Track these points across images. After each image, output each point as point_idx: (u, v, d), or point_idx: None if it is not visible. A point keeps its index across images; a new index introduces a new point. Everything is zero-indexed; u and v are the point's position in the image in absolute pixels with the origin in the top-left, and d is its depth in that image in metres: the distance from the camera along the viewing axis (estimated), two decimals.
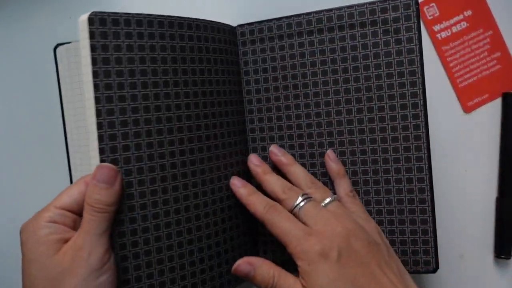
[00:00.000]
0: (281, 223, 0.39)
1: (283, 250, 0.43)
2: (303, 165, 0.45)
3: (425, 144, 0.42)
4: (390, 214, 0.44)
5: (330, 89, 0.44)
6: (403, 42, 0.42)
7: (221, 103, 0.43)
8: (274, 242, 0.47)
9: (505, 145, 0.50)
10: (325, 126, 0.45)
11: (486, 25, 0.51)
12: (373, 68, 0.43)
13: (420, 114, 0.42)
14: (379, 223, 0.44)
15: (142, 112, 0.37)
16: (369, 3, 0.42)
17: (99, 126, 0.36)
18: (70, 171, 0.46)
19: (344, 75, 0.44)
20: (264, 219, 0.40)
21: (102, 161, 0.36)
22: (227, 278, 0.43)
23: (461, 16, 0.51)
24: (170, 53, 0.39)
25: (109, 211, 0.35)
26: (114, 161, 0.36)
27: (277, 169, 0.45)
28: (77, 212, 0.36)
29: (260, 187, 0.43)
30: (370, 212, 0.44)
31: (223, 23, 0.43)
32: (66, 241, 0.35)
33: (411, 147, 0.43)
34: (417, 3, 0.42)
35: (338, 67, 0.44)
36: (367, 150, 0.44)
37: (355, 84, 0.43)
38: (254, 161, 0.45)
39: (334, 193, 0.44)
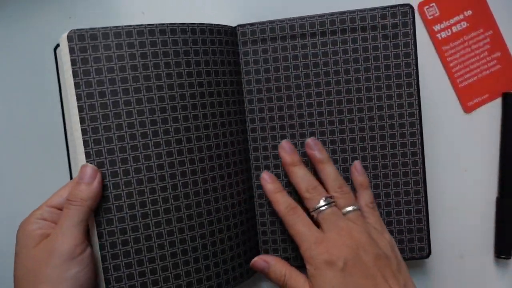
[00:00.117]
0: (297, 226, 0.42)
1: (283, 250, 0.47)
2: (305, 164, 0.46)
3: (420, 140, 0.46)
4: (387, 206, 0.47)
5: (332, 89, 0.46)
6: (400, 47, 0.45)
7: (214, 103, 0.43)
8: (274, 242, 0.47)
9: (505, 145, 0.50)
10: (327, 125, 0.46)
11: (486, 25, 0.51)
12: (373, 70, 0.46)
13: (415, 113, 0.46)
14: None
15: (125, 117, 0.40)
16: (370, 9, 0.45)
17: (84, 132, 0.39)
18: (70, 171, 0.46)
19: (345, 76, 0.46)
20: (284, 218, 0.43)
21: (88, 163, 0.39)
22: (225, 278, 0.43)
23: (461, 16, 0.51)
24: (151, 59, 0.40)
25: (83, 205, 0.37)
26: (99, 164, 0.40)
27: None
28: None
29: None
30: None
31: (200, 23, 0.43)
32: (48, 235, 0.38)
33: (407, 143, 0.46)
34: (413, 11, 0.45)
35: (340, 69, 0.46)
36: (366, 147, 0.46)
37: (356, 85, 0.46)
38: (285, 148, 0.45)
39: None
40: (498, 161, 0.51)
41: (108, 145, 0.40)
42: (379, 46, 0.45)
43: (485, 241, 0.52)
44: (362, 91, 0.46)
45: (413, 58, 0.45)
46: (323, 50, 0.46)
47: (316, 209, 0.42)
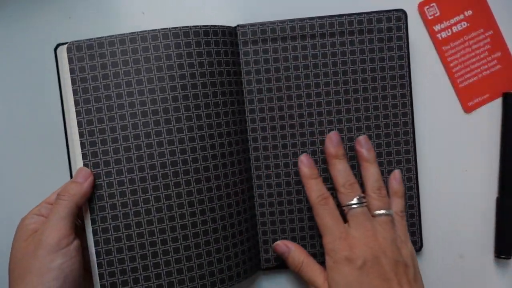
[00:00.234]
0: (325, 218, 0.44)
1: None
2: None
3: (412, 139, 0.48)
4: None
5: (331, 90, 0.47)
6: (394, 50, 0.48)
7: (209, 104, 0.44)
8: (275, 242, 0.47)
9: (505, 145, 0.50)
10: (326, 124, 0.47)
11: (487, 25, 0.51)
12: (369, 72, 0.48)
13: (408, 112, 0.48)
14: None
15: (118, 120, 0.42)
16: (366, 13, 0.47)
17: (81, 134, 0.42)
18: (70, 171, 0.46)
19: (343, 77, 0.47)
20: (314, 207, 0.45)
21: (84, 164, 0.42)
22: (220, 277, 0.44)
23: (461, 16, 0.51)
24: (144, 64, 0.43)
25: (71, 200, 0.40)
26: (95, 164, 0.42)
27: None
28: None
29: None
30: None
31: (193, 26, 0.44)
32: None
33: (401, 142, 0.48)
34: (406, 16, 0.47)
35: (338, 70, 0.47)
36: None
37: (354, 85, 0.47)
38: (333, 140, 0.46)
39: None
40: (498, 161, 0.51)
41: (102, 146, 0.42)
42: (375, 48, 0.47)
43: (485, 241, 0.51)
44: (359, 92, 0.47)
45: (406, 60, 0.48)
46: (322, 52, 0.47)
47: (348, 206, 0.44)
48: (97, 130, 0.43)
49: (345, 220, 0.44)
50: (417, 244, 0.49)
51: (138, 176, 0.43)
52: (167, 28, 0.43)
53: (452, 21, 0.51)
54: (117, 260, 0.42)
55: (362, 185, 0.46)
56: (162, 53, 0.43)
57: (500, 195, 0.51)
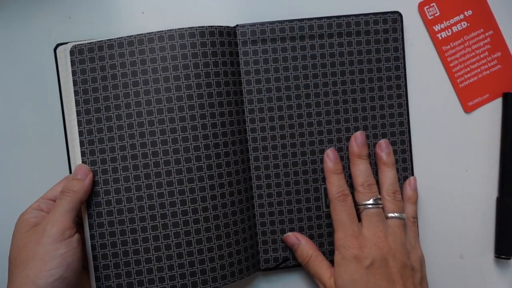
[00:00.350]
0: (341, 214, 0.44)
1: (282, 250, 0.48)
2: (304, 162, 0.48)
3: (408, 138, 0.49)
4: None
5: (329, 90, 0.48)
6: (390, 51, 0.49)
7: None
8: (274, 242, 0.48)
9: (505, 145, 0.50)
10: (325, 124, 0.48)
11: (487, 25, 0.51)
12: (366, 72, 0.48)
13: (404, 113, 0.49)
14: None
15: (115, 120, 0.44)
16: (364, 15, 0.48)
17: (80, 133, 0.44)
18: (70, 169, 0.46)
19: (342, 77, 0.48)
20: (332, 201, 0.45)
21: (83, 162, 0.44)
22: (212, 276, 0.44)
23: (461, 16, 0.51)
24: (140, 66, 0.44)
25: (74, 196, 0.41)
26: (92, 162, 0.44)
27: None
28: None
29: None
30: None
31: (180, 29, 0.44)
32: None
33: (397, 141, 0.49)
34: (402, 18, 0.49)
35: (336, 70, 0.47)
36: None
37: (351, 85, 0.48)
38: (358, 140, 0.47)
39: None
40: (498, 161, 0.51)
41: (100, 145, 0.44)
42: (371, 49, 0.48)
43: (485, 241, 0.51)
44: (357, 92, 0.48)
45: (402, 61, 0.49)
46: (321, 52, 0.47)
47: (363, 205, 0.45)
48: (95, 130, 0.44)
49: (359, 219, 0.45)
50: None
51: (133, 174, 0.44)
52: (162, 31, 0.44)
53: (452, 21, 0.51)
54: (111, 254, 0.44)
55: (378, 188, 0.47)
56: (158, 55, 0.44)
57: (500, 195, 0.51)
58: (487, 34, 0.51)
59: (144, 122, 0.44)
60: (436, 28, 0.51)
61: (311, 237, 0.48)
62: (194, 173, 0.44)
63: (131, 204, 0.44)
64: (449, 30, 0.51)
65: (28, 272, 0.38)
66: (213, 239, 0.44)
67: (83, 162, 0.44)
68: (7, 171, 0.49)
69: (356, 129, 0.48)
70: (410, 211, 0.48)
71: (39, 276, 0.37)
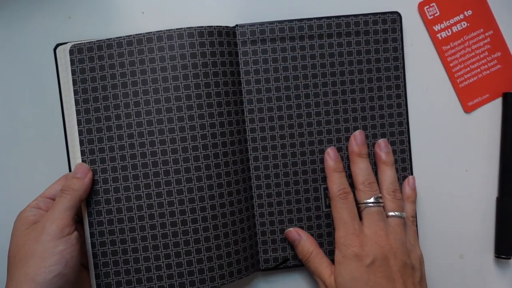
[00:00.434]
0: (343, 211, 0.44)
1: (282, 249, 0.48)
2: (303, 162, 0.48)
3: (407, 138, 0.49)
4: None
5: (328, 90, 0.48)
6: (389, 51, 0.49)
7: (201, 105, 0.44)
8: (274, 242, 0.48)
9: (505, 145, 0.50)
10: (324, 124, 0.48)
11: (487, 24, 0.51)
12: (366, 72, 0.48)
13: (403, 113, 0.49)
14: None
15: (114, 119, 0.44)
16: (363, 15, 0.48)
17: (80, 133, 0.45)
18: (70, 170, 0.46)
19: (341, 77, 0.48)
20: (333, 199, 0.45)
21: (83, 161, 0.45)
22: (210, 275, 0.44)
23: (461, 16, 0.51)
24: (139, 66, 0.44)
25: (74, 194, 0.42)
26: (92, 161, 0.45)
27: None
28: None
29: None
30: None
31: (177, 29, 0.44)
32: None
33: (396, 142, 0.49)
34: (401, 18, 0.49)
35: (336, 70, 0.48)
36: None
37: (351, 86, 0.48)
38: (357, 139, 0.47)
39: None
40: (498, 161, 0.51)
41: (99, 144, 0.45)
42: (371, 50, 0.48)
43: (485, 241, 0.51)
44: (356, 92, 0.48)
45: (401, 61, 0.49)
46: (320, 52, 0.47)
47: (364, 203, 0.45)
48: (95, 129, 0.45)
49: (360, 218, 0.45)
50: None
51: (131, 173, 0.44)
52: (161, 31, 0.44)
53: (452, 21, 0.51)
54: (111, 252, 0.44)
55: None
56: (157, 55, 0.44)
57: (500, 195, 0.51)
58: (487, 34, 0.51)
59: (143, 122, 0.44)
60: (436, 28, 0.51)
61: None
62: (192, 173, 0.44)
63: (129, 203, 0.44)
64: (449, 30, 0.51)
65: (27, 270, 0.38)
66: (211, 239, 0.44)
67: (83, 161, 0.45)
68: (7, 171, 0.49)
69: (356, 129, 0.48)
70: (409, 210, 0.48)
71: (38, 273, 0.38)
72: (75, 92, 0.45)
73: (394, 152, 0.48)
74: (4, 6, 0.49)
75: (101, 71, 0.44)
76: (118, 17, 0.49)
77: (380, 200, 0.45)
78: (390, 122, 0.48)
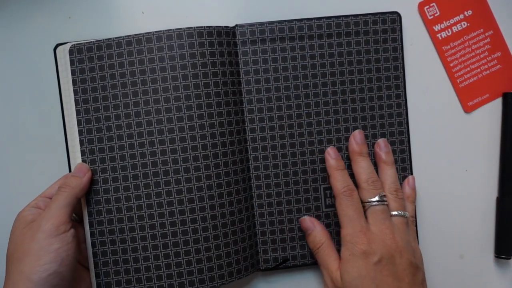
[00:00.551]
0: (348, 209, 0.44)
1: (282, 250, 0.48)
2: (303, 162, 0.48)
3: (407, 138, 0.49)
4: None
5: (328, 90, 0.48)
6: (389, 51, 0.49)
7: (201, 106, 0.44)
8: (274, 242, 0.48)
9: (505, 145, 0.50)
10: (324, 124, 0.48)
11: (487, 25, 0.51)
12: (365, 72, 0.48)
13: (403, 113, 0.49)
14: None
15: (114, 119, 0.44)
16: (363, 15, 0.48)
17: (80, 133, 0.45)
18: (70, 170, 0.46)
19: (341, 77, 0.48)
20: (338, 197, 0.45)
21: (83, 161, 0.45)
22: (209, 275, 0.45)
23: (461, 16, 0.51)
24: (138, 66, 0.44)
25: (71, 192, 0.42)
26: (92, 161, 0.45)
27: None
28: None
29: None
30: None
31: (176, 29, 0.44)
32: None
33: (396, 142, 0.49)
34: (400, 18, 0.49)
35: (335, 70, 0.47)
36: None
37: (351, 86, 0.48)
38: (357, 138, 0.47)
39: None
40: (498, 161, 0.51)
41: (99, 144, 0.45)
42: (370, 50, 0.48)
43: (485, 241, 0.51)
44: (356, 92, 0.48)
45: (401, 61, 0.49)
46: (320, 52, 0.47)
47: (369, 202, 0.44)
48: (95, 129, 0.45)
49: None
50: None
51: (131, 173, 0.44)
52: (161, 31, 0.44)
53: (452, 21, 0.51)
54: (111, 251, 0.44)
55: None
56: (156, 56, 0.44)
57: (500, 195, 0.51)
58: (487, 34, 0.51)
59: (142, 122, 0.44)
60: (436, 28, 0.51)
61: None
62: (191, 173, 0.44)
63: (129, 203, 0.44)
64: (449, 30, 0.51)
65: (23, 268, 0.38)
66: (211, 239, 0.44)
67: (83, 161, 0.45)
68: (7, 171, 0.49)
69: (356, 129, 0.48)
70: (410, 210, 0.47)
71: (33, 271, 0.38)
72: (75, 92, 0.45)
73: (394, 152, 0.48)
74: (4, 6, 0.49)
75: (100, 71, 0.44)
76: (118, 17, 0.49)
77: (384, 199, 0.45)
78: (390, 122, 0.48)
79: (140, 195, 0.44)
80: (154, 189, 0.44)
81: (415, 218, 0.48)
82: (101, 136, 0.45)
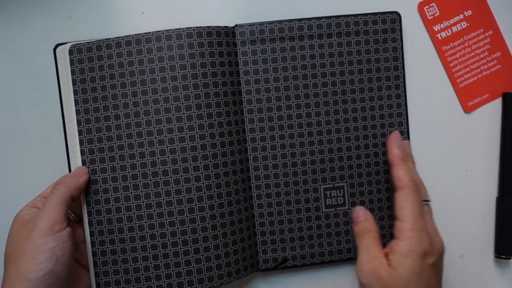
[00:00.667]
0: (415, 204, 0.42)
1: (281, 250, 0.47)
2: (303, 162, 0.48)
3: (406, 138, 0.49)
4: (379, 202, 0.49)
5: (328, 90, 0.48)
6: (389, 51, 0.49)
7: (200, 106, 0.44)
8: (273, 243, 0.48)
9: (505, 145, 0.50)
10: (324, 124, 0.48)
11: (487, 25, 0.51)
12: (365, 72, 0.48)
13: (403, 113, 0.49)
14: (371, 210, 0.48)
15: (113, 119, 0.45)
16: (362, 15, 0.48)
17: (80, 132, 0.45)
18: (69, 167, 0.47)
19: (341, 77, 0.48)
20: (405, 189, 0.43)
21: (82, 160, 0.45)
22: (208, 275, 0.45)
23: (461, 16, 0.51)
24: (137, 66, 0.44)
25: (66, 190, 0.42)
26: (91, 161, 0.45)
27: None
28: None
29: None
30: (372, 202, 0.50)
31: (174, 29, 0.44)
32: None
33: None
34: (400, 18, 0.49)
35: (335, 70, 0.47)
36: (360, 146, 0.49)
37: (351, 86, 0.48)
38: (397, 143, 0.45)
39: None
40: (498, 161, 0.51)
41: (99, 144, 0.45)
42: (370, 49, 0.48)
43: (485, 241, 0.51)
44: (356, 92, 0.48)
45: (401, 61, 0.49)
46: (320, 52, 0.47)
47: (425, 201, 0.44)
48: (94, 129, 0.45)
49: None
50: None
51: (130, 173, 0.45)
52: (160, 31, 0.44)
53: (452, 21, 0.51)
54: (110, 250, 0.45)
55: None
56: (155, 56, 0.44)
57: (500, 195, 0.51)
58: (487, 34, 0.51)
59: (142, 122, 0.44)
60: (436, 28, 0.51)
61: (310, 237, 0.48)
62: (190, 173, 0.44)
63: (128, 202, 0.45)
64: (449, 30, 0.51)
65: (19, 267, 0.38)
66: (210, 239, 0.44)
67: (83, 160, 0.45)
68: (7, 171, 0.49)
69: (356, 129, 0.48)
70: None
71: (29, 270, 0.38)
72: (75, 92, 0.45)
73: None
74: (4, 6, 0.49)
75: (100, 71, 0.45)
76: (118, 17, 0.49)
77: (427, 198, 0.45)
78: (390, 122, 0.48)
79: (139, 195, 0.44)
80: (153, 189, 0.44)
81: None
82: (101, 136, 0.45)
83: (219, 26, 0.45)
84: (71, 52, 0.45)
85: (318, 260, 0.48)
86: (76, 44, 0.45)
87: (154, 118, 0.44)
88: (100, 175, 0.45)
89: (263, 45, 0.47)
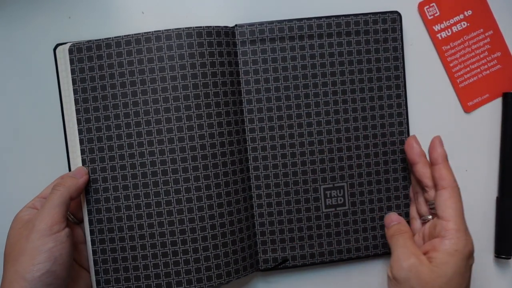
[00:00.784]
0: (458, 204, 0.43)
1: (281, 250, 0.47)
2: (303, 162, 0.48)
3: (407, 138, 0.48)
4: (379, 202, 0.49)
5: (328, 90, 0.48)
6: (390, 51, 0.49)
7: (200, 106, 0.44)
8: (273, 243, 0.48)
9: (505, 145, 0.50)
10: (324, 124, 0.48)
11: (487, 25, 0.51)
12: (366, 72, 0.48)
13: (403, 113, 0.49)
14: (371, 210, 0.49)
15: (113, 119, 0.45)
16: (363, 14, 0.48)
17: (80, 132, 0.45)
18: (69, 167, 0.47)
19: (341, 77, 0.48)
20: (449, 188, 0.43)
21: (82, 159, 0.45)
22: (207, 275, 0.45)
23: (461, 16, 0.51)
24: (137, 66, 0.44)
25: (65, 191, 0.42)
26: (91, 160, 0.45)
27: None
28: None
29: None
30: (372, 202, 0.50)
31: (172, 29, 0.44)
32: None
33: (396, 141, 0.49)
34: (401, 18, 0.48)
35: (336, 70, 0.47)
36: (361, 146, 0.49)
37: (351, 85, 0.48)
38: (437, 144, 0.45)
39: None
40: (498, 161, 0.51)
41: (99, 143, 0.45)
42: (371, 49, 0.48)
43: (485, 241, 0.51)
44: (356, 92, 0.48)
45: (401, 61, 0.49)
46: (320, 52, 0.47)
47: None
48: (94, 128, 0.45)
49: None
50: None
51: (130, 173, 0.45)
52: (160, 31, 0.44)
53: (452, 21, 0.51)
54: (110, 249, 0.45)
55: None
56: (155, 55, 0.44)
57: (500, 195, 0.51)
58: (487, 34, 0.51)
59: (141, 122, 0.44)
60: (436, 28, 0.51)
61: (310, 237, 0.48)
62: (190, 173, 0.44)
63: (128, 201, 0.45)
64: (449, 30, 0.51)
65: (17, 267, 0.38)
66: (209, 238, 0.44)
67: (83, 160, 0.45)
68: (7, 171, 0.49)
69: (356, 129, 0.48)
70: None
71: (27, 270, 0.38)
72: (75, 92, 0.45)
73: (394, 152, 0.49)
74: (4, 6, 0.49)
75: (100, 70, 0.45)
76: (118, 17, 0.50)
77: None
78: (390, 122, 0.48)
79: (138, 194, 0.45)
80: (152, 188, 0.44)
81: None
82: (101, 135, 0.45)
83: (219, 26, 0.45)
84: (71, 51, 0.45)
85: (318, 260, 0.48)
86: (76, 43, 0.45)
87: (153, 118, 0.44)
88: (100, 174, 0.45)
89: (263, 45, 0.47)
